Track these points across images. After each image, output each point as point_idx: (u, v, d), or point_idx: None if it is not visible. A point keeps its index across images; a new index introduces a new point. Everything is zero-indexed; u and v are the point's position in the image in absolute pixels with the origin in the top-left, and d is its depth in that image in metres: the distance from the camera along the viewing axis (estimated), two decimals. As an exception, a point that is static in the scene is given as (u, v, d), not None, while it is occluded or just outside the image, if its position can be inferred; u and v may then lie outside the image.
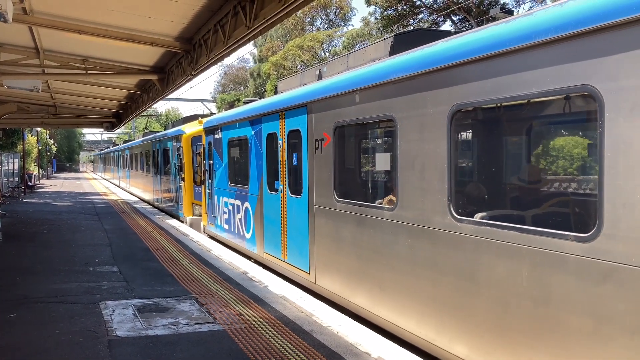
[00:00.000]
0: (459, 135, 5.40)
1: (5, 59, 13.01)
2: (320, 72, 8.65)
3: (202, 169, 14.26)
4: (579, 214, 4.58)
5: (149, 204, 24.23)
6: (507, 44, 4.39)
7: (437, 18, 35.58)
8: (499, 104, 4.75)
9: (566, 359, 3.94)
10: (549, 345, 4.08)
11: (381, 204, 6.36)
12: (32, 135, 40.78)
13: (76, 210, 20.94)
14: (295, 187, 8.52)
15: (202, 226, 14.93)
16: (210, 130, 13.46)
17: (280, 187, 8.96)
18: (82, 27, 10.38)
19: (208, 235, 14.16)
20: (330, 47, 50.49)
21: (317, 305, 7.20)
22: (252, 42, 10.55)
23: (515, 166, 5.80)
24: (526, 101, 4.55)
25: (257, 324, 6.43)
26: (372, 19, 43.12)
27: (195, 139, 16.32)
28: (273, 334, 6.06)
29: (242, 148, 11.25)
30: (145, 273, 9.39)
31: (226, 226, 12.39)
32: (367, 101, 6.44)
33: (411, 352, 5.52)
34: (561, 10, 4.02)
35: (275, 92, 10.30)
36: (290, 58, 48.14)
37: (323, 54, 48.87)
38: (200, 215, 15.40)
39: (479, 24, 29.03)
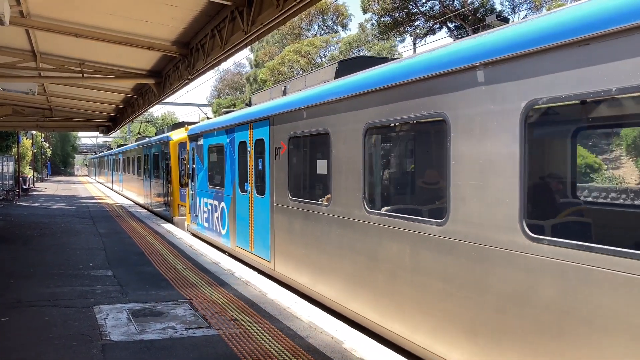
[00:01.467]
0: (372, 147, 6.77)
1: (1, 62, 12.98)
2: (285, 89, 9.89)
3: (187, 172, 15.59)
4: (438, 206, 5.61)
5: (141, 206, 24.89)
6: (398, 78, 5.81)
7: (433, 25, 35.75)
8: (394, 124, 6.16)
9: (425, 305, 5.42)
10: (416, 300, 5.58)
11: (322, 201, 7.69)
12: (27, 138, 40.64)
13: (70, 214, 20.86)
14: (261, 188, 9.91)
15: (185, 225, 16.03)
16: (193, 137, 14.88)
17: (249, 188, 10.42)
18: (79, 31, 10.38)
19: (191, 233, 15.23)
20: (327, 52, 50.62)
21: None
22: (249, 47, 10.62)
23: (404, 171, 7.19)
24: (411, 122, 5.89)
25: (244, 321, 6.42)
26: (369, 26, 43.29)
27: (182, 145, 17.45)
28: (267, 338, 6.05)
29: (219, 154, 12.54)
30: (139, 277, 9.36)
31: (206, 224, 13.70)
32: (319, 116, 7.71)
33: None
34: (425, 58, 5.54)
35: (249, 104, 11.47)
36: (287, 63, 48.22)
37: (320, 60, 48.99)
38: (185, 215, 16.55)
39: (475, 31, 29.20)
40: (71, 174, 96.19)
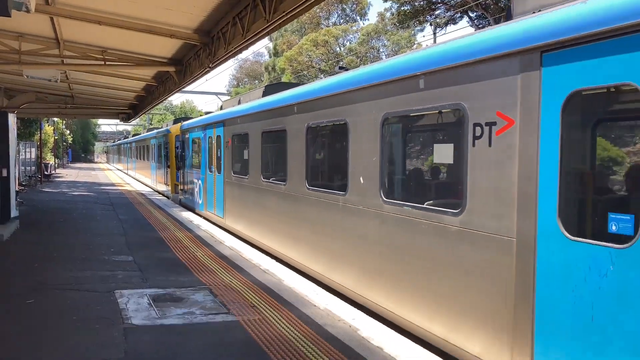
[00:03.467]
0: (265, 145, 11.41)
1: (26, 49, 13.16)
2: (240, 100, 14.13)
3: (178, 158, 20.45)
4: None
5: (148, 187, 29.73)
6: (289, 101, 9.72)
7: (454, 14, 35.31)
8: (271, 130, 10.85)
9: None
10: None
11: (247, 177, 12.01)
12: (49, 125, 41.23)
13: (91, 200, 21.18)
14: (219, 169, 14.39)
15: (178, 199, 20.71)
16: (184, 131, 19.56)
17: (214, 169, 14.88)
18: (102, 18, 10.46)
19: (180, 203, 20.09)
20: (346, 42, 50.35)
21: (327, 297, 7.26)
22: (268, 36, 10.87)
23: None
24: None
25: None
26: (388, 14, 42.91)
27: (177, 137, 21.29)
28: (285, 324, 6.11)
29: (198, 145, 17.16)
30: (159, 263, 9.49)
31: (190, 197, 18.64)
32: (244, 123, 12.23)
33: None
34: (331, 81, 8.38)
35: (221, 109, 15.97)
36: (305, 53, 48.09)
37: (338, 49, 48.78)
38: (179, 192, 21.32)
39: (497, 21, 28.77)
40: (91, 161, 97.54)
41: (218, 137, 14.33)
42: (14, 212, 13.17)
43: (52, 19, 11.00)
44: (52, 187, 28.61)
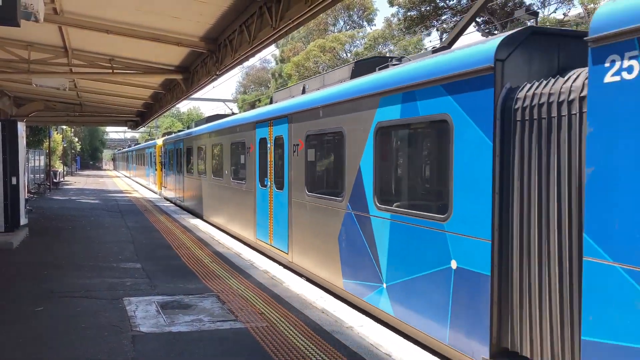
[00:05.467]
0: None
1: (35, 58, 13.29)
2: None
3: (163, 163, 27.28)
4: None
5: (144, 187, 37.12)
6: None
7: (460, 19, 35.31)
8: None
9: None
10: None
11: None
12: (57, 133, 41.53)
13: (100, 207, 21.27)
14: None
15: (162, 194, 27.53)
16: (164, 144, 26.60)
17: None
18: (110, 27, 10.56)
19: (164, 197, 26.30)
20: (352, 47, 50.43)
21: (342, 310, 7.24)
22: (275, 43, 10.72)
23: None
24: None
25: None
26: (395, 20, 42.95)
27: (162, 148, 28.27)
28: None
29: (173, 154, 23.69)
30: (167, 270, 9.51)
31: (164, 189, 26.71)
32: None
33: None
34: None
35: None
36: (312, 59, 48.19)
37: (345, 55, 48.86)
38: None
39: (503, 26, 28.74)
40: (99, 168, 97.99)
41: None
42: (23, 220, 13.25)
43: (60, 29, 11.11)
44: (61, 194, 28.78)
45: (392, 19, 44.12)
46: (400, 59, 7.71)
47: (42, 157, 34.03)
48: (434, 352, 5.64)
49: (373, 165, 6.95)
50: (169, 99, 18.40)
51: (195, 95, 47.59)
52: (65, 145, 48.59)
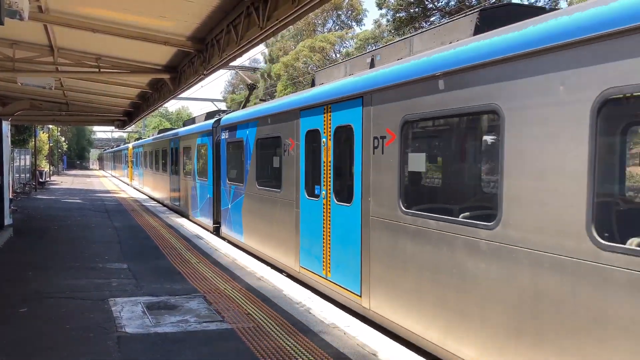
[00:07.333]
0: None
1: (20, 57, 13.13)
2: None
3: (134, 163, 35.96)
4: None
5: (124, 182, 43.09)
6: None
7: (449, 21, 35.46)
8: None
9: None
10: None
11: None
12: (43, 132, 41.12)
13: (86, 207, 21.10)
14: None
15: (131, 184, 37.29)
16: (134, 147, 34.80)
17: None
18: (97, 26, 10.45)
19: (134, 188, 34.89)
20: (342, 48, 50.50)
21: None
22: (264, 42, 10.62)
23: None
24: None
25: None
26: (384, 21, 43.06)
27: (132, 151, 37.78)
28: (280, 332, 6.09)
29: (141, 156, 31.33)
30: (153, 270, 9.46)
31: (137, 182, 33.96)
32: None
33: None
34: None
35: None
36: (302, 59, 48.14)
37: (334, 55, 48.89)
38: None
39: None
40: (86, 168, 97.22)
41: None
42: (7, 220, 13.11)
43: (46, 27, 10.98)
44: (47, 194, 28.50)
45: (381, 20, 44.26)
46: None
47: (28, 157, 33.68)
48: (420, 350, 5.65)
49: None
50: (157, 98, 18.27)
51: (184, 95, 47.33)
52: (51, 144, 48.12)
